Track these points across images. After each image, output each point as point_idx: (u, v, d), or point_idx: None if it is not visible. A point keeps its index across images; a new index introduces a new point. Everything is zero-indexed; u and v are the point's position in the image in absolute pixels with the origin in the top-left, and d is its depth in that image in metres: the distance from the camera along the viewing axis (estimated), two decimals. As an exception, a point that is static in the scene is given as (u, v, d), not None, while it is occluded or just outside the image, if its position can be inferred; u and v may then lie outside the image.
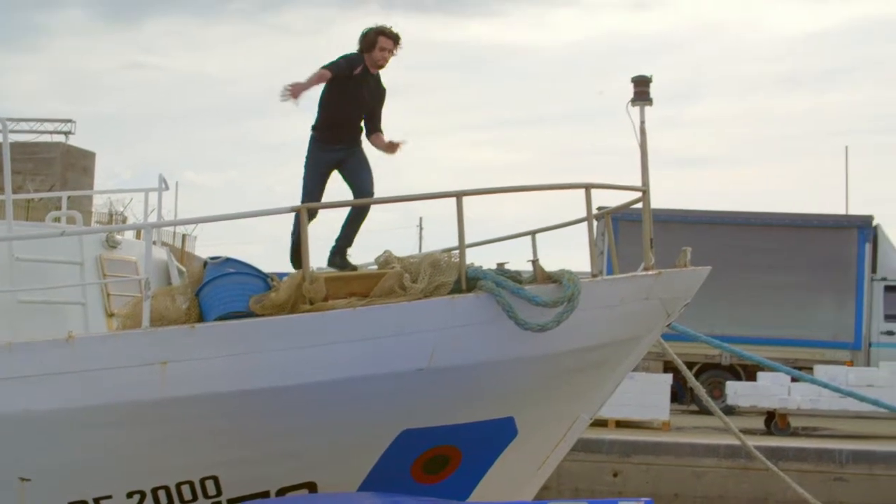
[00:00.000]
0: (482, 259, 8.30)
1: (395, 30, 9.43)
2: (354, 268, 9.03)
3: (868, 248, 23.40)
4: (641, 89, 8.92)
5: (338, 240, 9.20)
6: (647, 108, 8.95)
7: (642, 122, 8.92)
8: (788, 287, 23.12)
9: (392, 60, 9.49)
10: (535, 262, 8.29)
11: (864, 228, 23.45)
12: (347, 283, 8.05)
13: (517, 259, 8.44)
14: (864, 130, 73.13)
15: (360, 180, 9.31)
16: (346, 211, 9.24)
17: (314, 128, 9.42)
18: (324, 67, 9.16)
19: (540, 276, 8.14)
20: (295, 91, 8.92)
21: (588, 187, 8.31)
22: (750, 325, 22.59)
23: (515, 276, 8.04)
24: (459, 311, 7.79)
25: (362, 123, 9.50)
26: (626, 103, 8.96)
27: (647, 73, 8.96)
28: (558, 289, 7.92)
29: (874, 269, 23.60)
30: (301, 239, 7.96)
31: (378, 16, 74.89)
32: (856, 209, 26.85)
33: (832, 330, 23.09)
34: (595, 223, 8.88)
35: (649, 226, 8.91)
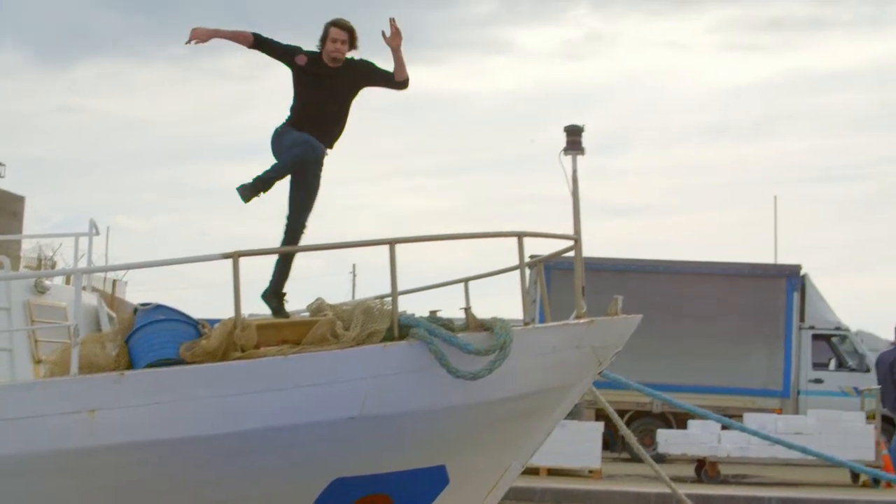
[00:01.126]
0: (415, 306, 8.31)
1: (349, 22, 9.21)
2: (286, 314, 8.97)
3: (796, 297, 23.74)
4: (573, 139, 9.05)
5: (272, 280, 9.10)
6: (580, 157, 9.06)
7: (574, 171, 9.03)
8: (719, 335, 23.35)
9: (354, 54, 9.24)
10: (467, 309, 8.31)
11: (792, 278, 23.79)
12: (279, 331, 8.02)
13: (450, 307, 8.46)
14: (792, 180, 74.30)
15: (303, 207, 9.08)
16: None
17: (288, 121, 9.13)
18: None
19: (472, 323, 8.16)
20: (201, 34, 8.85)
21: (520, 236, 8.36)
22: (681, 373, 22.78)
23: (448, 324, 8.05)
24: (392, 359, 7.78)
25: (332, 142, 9.18)
26: (558, 152, 9.05)
27: (579, 122, 9.08)
28: (490, 337, 7.94)
29: (802, 318, 23.94)
30: (234, 287, 7.89)
31: (313, 62, 74.82)
32: (784, 258, 27.21)
33: (761, 378, 23.35)
34: (527, 271, 8.92)
35: (581, 274, 8.97)
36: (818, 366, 23.98)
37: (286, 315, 8.88)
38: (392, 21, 9.02)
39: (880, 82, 72.53)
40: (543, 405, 8.73)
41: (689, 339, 23.30)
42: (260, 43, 9.11)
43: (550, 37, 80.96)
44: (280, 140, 9.08)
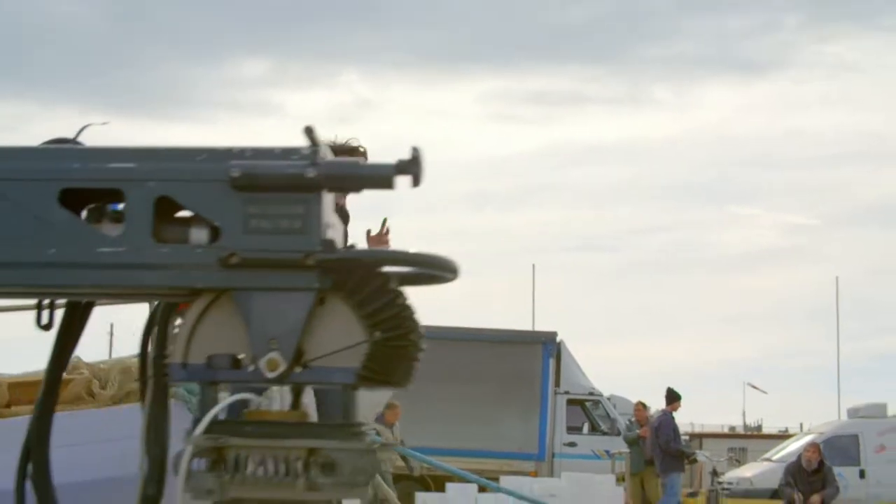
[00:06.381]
0: (175, 366, 8.20)
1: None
2: None
3: (552, 362, 24.36)
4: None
5: None
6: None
7: (339, 234, 9.09)
8: (477, 400, 23.72)
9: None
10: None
11: (548, 344, 24.42)
12: (31, 390, 7.78)
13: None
14: (551, 249, 76.48)
15: None
16: None
17: None
18: None
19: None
20: None
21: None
22: (440, 436, 22.99)
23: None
24: (150, 419, 7.64)
25: None
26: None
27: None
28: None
29: (557, 383, 24.57)
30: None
31: (77, 118, 73.30)
32: (541, 325, 27.96)
33: (518, 441, 23.80)
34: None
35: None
36: (572, 429, 24.63)
37: None
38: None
39: (635, 157, 75.75)
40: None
41: (447, 403, 23.57)
42: None
43: (320, 101, 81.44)
44: None
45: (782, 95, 79.91)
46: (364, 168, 2.94)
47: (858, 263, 78.00)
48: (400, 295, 2.91)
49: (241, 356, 2.90)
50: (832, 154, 79.95)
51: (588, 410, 25.03)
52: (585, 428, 24.94)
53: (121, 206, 3.06)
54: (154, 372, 3.22)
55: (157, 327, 3.21)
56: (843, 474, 22.78)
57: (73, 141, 3.11)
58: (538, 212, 78.27)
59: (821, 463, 19.23)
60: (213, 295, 2.91)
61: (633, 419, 22.10)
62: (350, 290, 2.88)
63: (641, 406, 21.97)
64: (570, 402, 24.74)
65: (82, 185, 2.95)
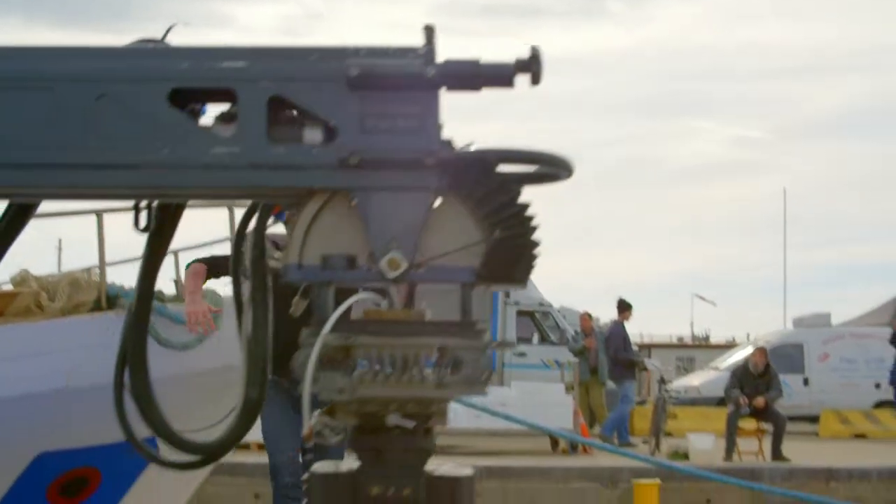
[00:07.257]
0: (124, 278, 8.22)
1: None
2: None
3: (502, 274, 24.49)
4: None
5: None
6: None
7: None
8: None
9: None
10: (177, 281, 8.28)
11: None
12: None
13: (161, 278, 8.39)
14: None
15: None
16: None
17: None
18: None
19: (183, 295, 8.13)
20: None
21: (230, 207, 8.36)
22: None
23: (158, 295, 7.99)
24: (99, 330, 7.64)
25: None
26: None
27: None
28: (201, 307, 7.92)
29: (507, 294, 24.73)
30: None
31: (21, 30, 72.13)
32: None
33: (469, 352, 24.01)
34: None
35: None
36: (522, 340, 24.85)
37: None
38: None
39: (588, 70, 75.56)
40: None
41: (399, 315, 23.75)
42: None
43: (270, 13, 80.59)
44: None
45: (735, 8, 79.92)
46: (483, 67, 2.87)
47: (808, 176, 78.66)
48: (518, 193, 2.87)
49: (356, 255, 2.86)
50: (784, 67, 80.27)
51: (538, 321, 25.24)
52: (535, 338, 25.16)
53: (208, 109, 2.97)
54: (252, 274, 3.18)
55: (254, 229, 3.17)
56: (788, 382, 23.21)
57: (161, 41, 3.04)
58: (490, 125, 78.07)
59: (767, 366, 19.56)
60: (326, 195, 2.86)
61: (578, 330, 22.35)
62: (469, 190, 2.85)
63: (587, 317, 22.21)
64: (521, 313, 24.93)
65: (193, 85, 2.87)
